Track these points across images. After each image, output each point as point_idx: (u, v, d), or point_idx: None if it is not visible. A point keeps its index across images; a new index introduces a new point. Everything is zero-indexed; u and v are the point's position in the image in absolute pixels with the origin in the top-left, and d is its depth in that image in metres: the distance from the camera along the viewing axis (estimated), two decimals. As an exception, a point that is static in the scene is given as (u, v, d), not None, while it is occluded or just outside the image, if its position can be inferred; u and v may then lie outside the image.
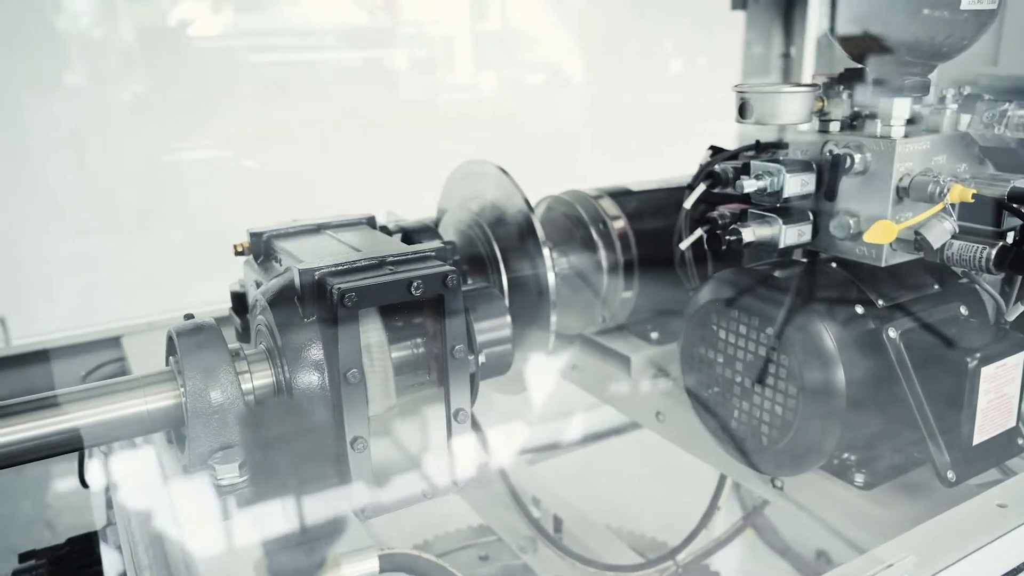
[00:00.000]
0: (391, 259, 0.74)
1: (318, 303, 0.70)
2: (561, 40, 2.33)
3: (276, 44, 1.97)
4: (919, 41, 0.75)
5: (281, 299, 0.72)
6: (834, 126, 0.87)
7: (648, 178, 1.21)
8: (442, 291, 0.72)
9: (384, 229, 0.96)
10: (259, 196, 1.88)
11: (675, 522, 1.33)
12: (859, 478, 0.84)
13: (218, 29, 1.89)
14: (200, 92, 1.84)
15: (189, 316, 0.74)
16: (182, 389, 0.66)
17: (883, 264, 0.82)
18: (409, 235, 1.02)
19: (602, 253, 1.11)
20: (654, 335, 1.16)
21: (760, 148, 1.00)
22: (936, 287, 0.86)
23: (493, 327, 0.84)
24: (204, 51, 1.89)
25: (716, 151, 1.05)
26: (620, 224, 1.11)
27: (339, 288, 0.67)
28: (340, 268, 0.71)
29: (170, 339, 0.71)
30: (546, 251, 0.97)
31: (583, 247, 1.12)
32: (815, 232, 0.87)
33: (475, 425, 1.14)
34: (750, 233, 0.85)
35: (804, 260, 0.89)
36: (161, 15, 1.73)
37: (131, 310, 1.17)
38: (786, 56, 1.65)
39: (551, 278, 0.97)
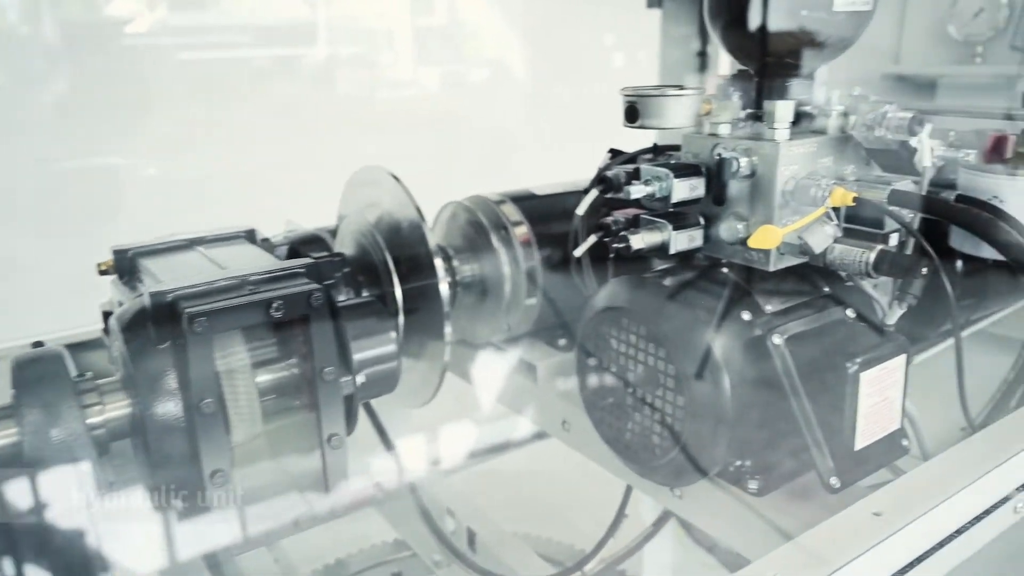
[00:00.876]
0: (254, 278, 0.70)
1: (171, 328, 0.66)
2: (502, 35, 2.30)
3: (207, 41, 1.90)
4: (796, 42, 0.74)
5: (135, 324, 0.68)
6: (723, 129, 0.85)
7: (578, 177, 1.19)
8: (307, 311, 0.69)
9: (265, 242, 0.91)
10: (172, 203, 1.81)
11: (595, 529, 1.32)
12: (753, 485, 0.83)
13: (146, 26, 1.82)
14: (123, 91, 1.76)
15: (38, 344, 0.69)
16: (17, 428, 0.61)
17: (771, 268, 0.81)
18: (297, 248, 0.98)
19: (504, 260, 1.08)
20: (561, 341, 1.13)
21: (657, 151, 0.99)
22: (825, 289, 0.85)
23: (375, 344, 0.80)
24: (130, 49, 1.81)
25: (615, 154, 1.03)
26: (522, 230, 1.08)
27: (189, 312, 0.63)
28: (196, 290, 0.67)
29: (12, 370, 0.66)
30: (438, 261, 0.94)
31: (485, 254, 1.09)
32: (707, 237, 0.86)
33: (385, 439, 1.11)
34: (639, 240, 0.83)
35: (697, 265, 0.88)
36: (86, 9, 1.65)
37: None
38: (702, 55, 1.65)
39: (443, 289, 0.94)
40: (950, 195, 0.83)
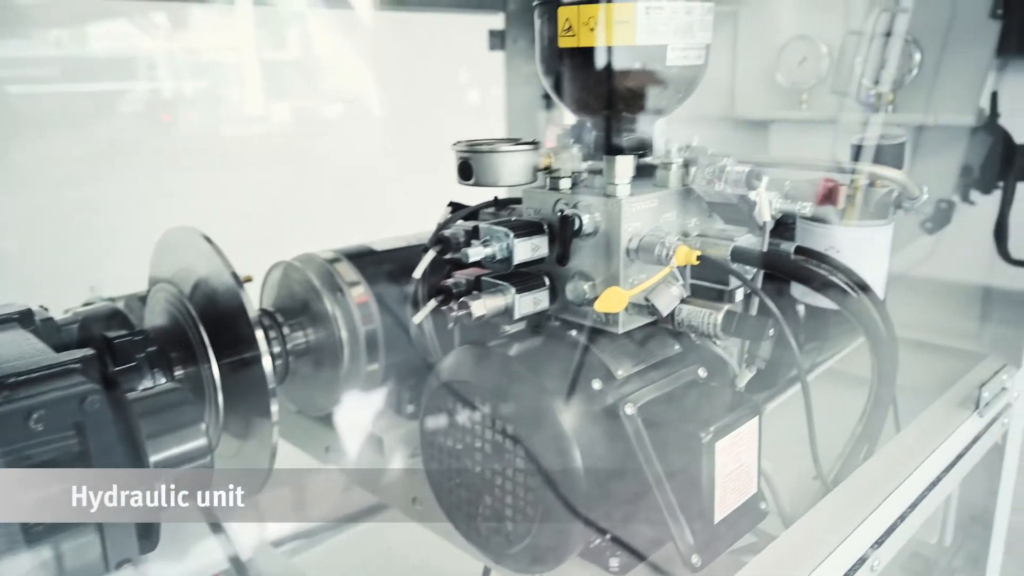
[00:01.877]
0: (10, 381, 0.57)
1: None
2: (356, 70, 2.20)
3: (33, 74, 1.69)
4: (630, 97, 0.70)
5: None
6: (564, 183, 0.81)
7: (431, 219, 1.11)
8: (79, 417, 0.56)
9: (48, 323, 0.77)
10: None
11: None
12: (614, 563, 0.78)
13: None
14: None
15: None
16: None
17: (621, 331, 0.77)
18: (89, 326, 0.84)
19: (340, 324, 0.98)
20: (409, 408, 1.05)
21: (499, 205, 0.94)
22: (677, 347, 0.82)
23: (180, 440, 0.69)
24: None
25: (456, 207, 0.97)
26: (359, 290, 0.99)
27: (-91, 436, 0.49)
28: (-75, 402, 0.54)
29: None
30: (259, 333, 0.83)
31: (319, 319, 0.99)
32: (554, 298, 0.81)
33: (215, 526, 0.98)
34: (480, 306, 0.76)
35: (545, 329, 0.82)
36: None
37: None
38: (547, 96, 1.63)
39: (266, 364, 0.83)
40: (790, 246, 0.82)
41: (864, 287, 0.78)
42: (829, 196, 0.90)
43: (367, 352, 1.00)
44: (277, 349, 0.98)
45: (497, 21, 1.60)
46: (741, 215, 0.80)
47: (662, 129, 0.88)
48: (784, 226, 0.89)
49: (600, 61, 0.67)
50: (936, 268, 1.29)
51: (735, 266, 0.73)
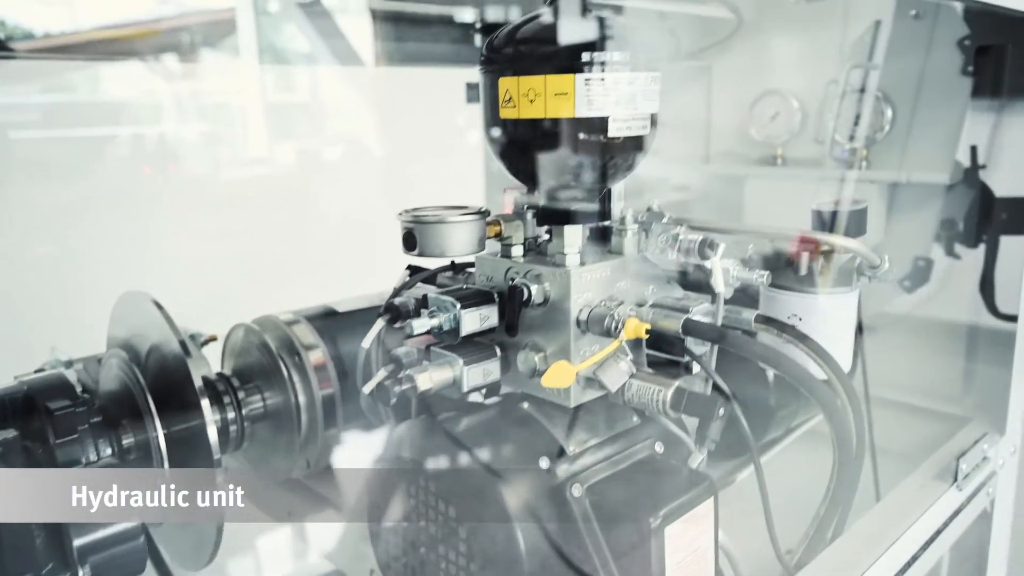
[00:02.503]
0: (-84, 469, 0.55)
1: None
2: (357, 114, 2.21)
3: (35, 119, 1.69)
4: (573, 168, 0.68)
5: None
6: (516, 251, 0.79)
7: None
8: (-15, 509, 0.54)
9: (-16, 394, 0.75)
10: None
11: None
12: (564, 650, 0.74)
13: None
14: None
15: None
16: None
17: (572, 405, 0.74)
18: (34, 396, 0.82)
19: (297, 388, 0.96)
20: (370, 474, 1.02)
21: (456, 269, 0.92)
22: (635, 420, 0.79)
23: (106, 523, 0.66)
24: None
25: (414, 271, 0.95)
26: (317, 354, 0.97)
27: None
28: None
29: None
30: (204, 402, 0.81)
31: (275, 383, 0.97)
32: (506, 368, 0.78)
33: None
34: (426, 379, 0.74)
35: (495, 401, 0.80)
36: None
37: None
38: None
39: (211, 434, 0.81)
40: (751, 314, 0.79)
41: (826, 359, 0.76)
42: (793, 264, 0.88)
43: (325, 416, 0.97)
44: (232, 415, 0.95)
45: (474, 75, 1.60)
46: (700, 283, 0.78)
47: (620, 193, 0.86)
48: (746, 292, 0.87)
49: (540, 133, 0.65)
50: (918, 325, 1.26)
51: (689, 340, 0.71)
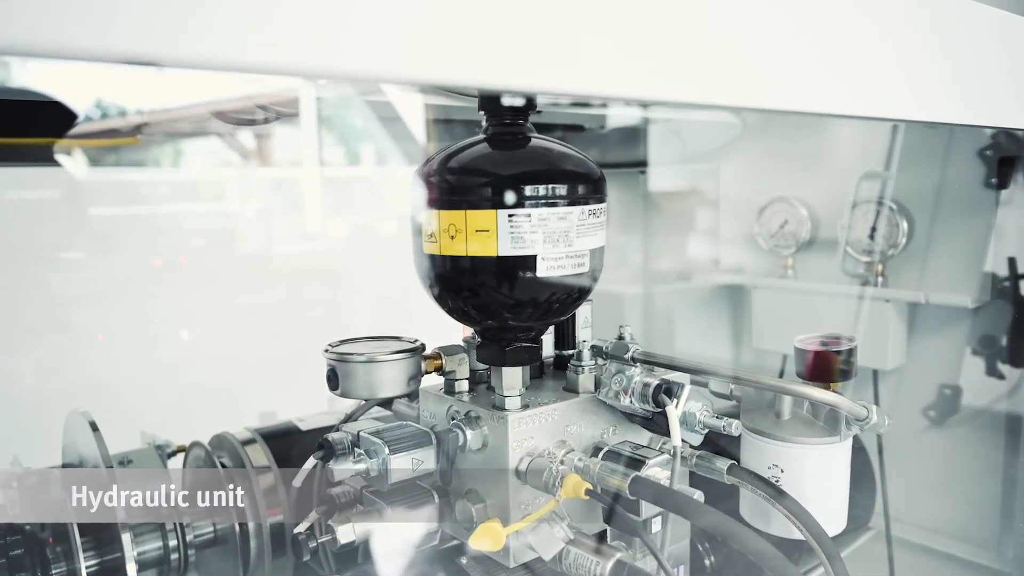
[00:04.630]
0: None
1: None
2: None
3: (111, 196, 1.73)
4: (502, 309, 0.62)
5: None
6: (461, 385, 0.72)
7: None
8: None
9: None
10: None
11: None
12: None
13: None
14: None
15: None
16: None
17: (512, 565, 0.66)
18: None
19: (246, 513, 0.90)
20: (324, 609, 0.94)
21: (414, 397, 0.85)
22: (589, 581, 0.70)
23: None
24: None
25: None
26: (268, 478, 0.91)
27: None
28: None
29: None
30: (126, 537, 0.75)
31: (224, 506, 0.91)
32: (446, 515, 0.70)
33: None
34: (348, 531, 0.67)
35: (432, 554, 0.72)
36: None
37: None
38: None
39: (130, 570, 0.75)
40: (724, 464, 0.70)
41: (805, 521, 0.65)
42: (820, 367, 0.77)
43: (273, 544, 0.90)
44: (174, 542, 0.89)
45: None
46: (663, 427, 0.70)
47: (587, 320, 0.79)
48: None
49: (464, 271, 0.59)
50: (948, 459, 1.12)
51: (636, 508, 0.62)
